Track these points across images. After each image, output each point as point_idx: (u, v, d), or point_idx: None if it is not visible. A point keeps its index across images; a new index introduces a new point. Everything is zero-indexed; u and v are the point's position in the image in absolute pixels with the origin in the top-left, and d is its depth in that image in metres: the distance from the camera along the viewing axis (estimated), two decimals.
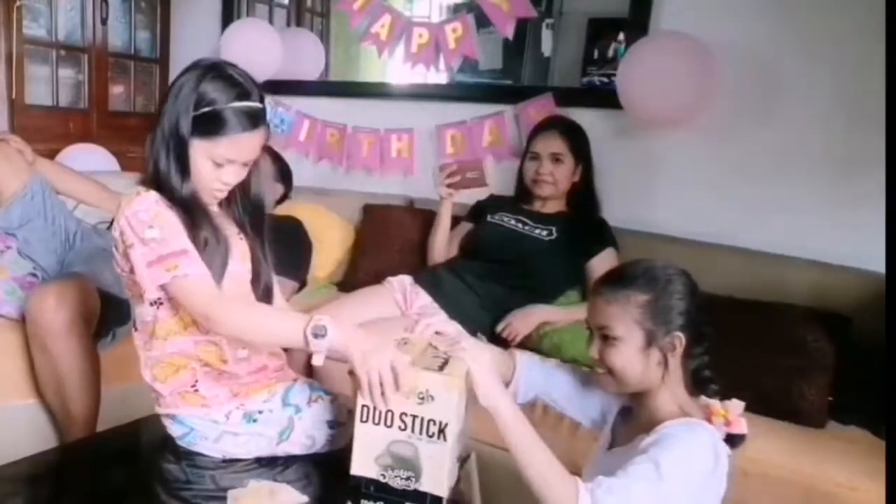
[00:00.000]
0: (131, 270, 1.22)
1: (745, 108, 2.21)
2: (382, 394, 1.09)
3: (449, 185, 2.22)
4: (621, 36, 2.65)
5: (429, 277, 2.13)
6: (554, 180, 2.17)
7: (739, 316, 1.85)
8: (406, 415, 1.10)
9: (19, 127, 2.80)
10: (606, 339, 1.11)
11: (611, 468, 1.04)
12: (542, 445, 1.06)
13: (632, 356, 1.10)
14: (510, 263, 2.08)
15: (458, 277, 2.11)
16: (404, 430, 1.11)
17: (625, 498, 0.99)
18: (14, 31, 2.79)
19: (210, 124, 1.20)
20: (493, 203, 2.31)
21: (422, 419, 1.10)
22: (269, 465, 1.28)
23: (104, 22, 3.14)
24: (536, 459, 1.04)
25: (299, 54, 3.00)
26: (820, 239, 2.06)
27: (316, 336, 1.14)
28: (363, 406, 1.12)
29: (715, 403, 1.13)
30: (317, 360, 1.17)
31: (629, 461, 1.03)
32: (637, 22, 2.35)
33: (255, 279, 1.35)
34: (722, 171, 2.27)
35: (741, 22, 2.19)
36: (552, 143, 2.18)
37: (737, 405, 1.12)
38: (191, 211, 1.23)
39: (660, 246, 2.18)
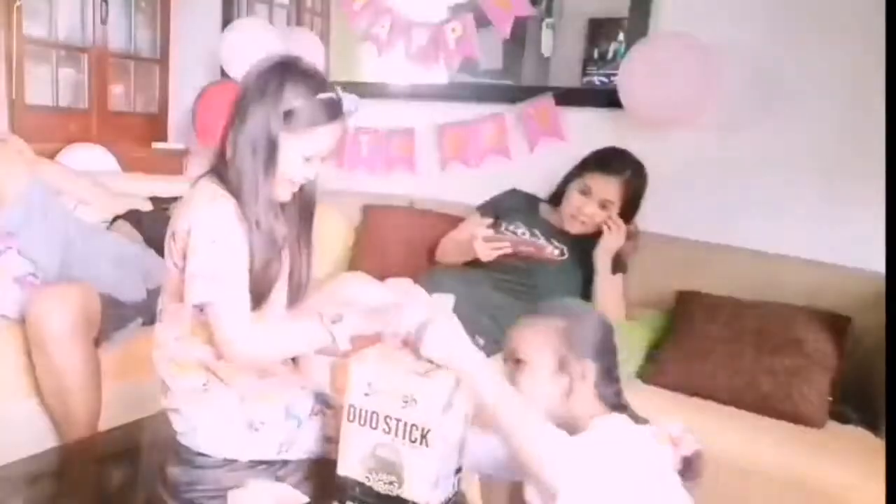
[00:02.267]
0: (184, 269, 1.22)
1: (745, 108, 2.21)
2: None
3: (494, 254, 2.09)
4: (621, 36, 2.65)
5: (431, 280, 2.12)
6: (591, 223, 2.11)
7: (739, 316, 1.85)
8: (390, 418, 1.09)
9: (19, 127, 2.80)
10: (518, 362, 1.13)
11: None
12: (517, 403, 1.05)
13: (541, 381, 1.11)
14: (516, 276, 2.07)
15: (463, 283, 2.10)
16: (388, 433, 1.09)
17: None
18: (14, 31, 2.79)
19: (299, 119, 1.22)
20: (512, 205, 2.27)
21: (405, 423, 1.08)
22: (270, 465, 1.28)
23: (104, 22, 3.14)
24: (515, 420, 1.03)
25: (299, 54, 3.00)
26: (819, 239, 2.06)
27: (334, 322, 1.17)
28: (350, 405, 1.12)
29: (656, 427, 1.10)
30: (344, 345, 1.19)
31: None
32: (637, 22, 2.35)
33: (290, 285, 1.36)
34: (721, 170, 2.27)
35: (741, 22, 2.19)
36: (608, 189, 2.09)
37: (676, 425, 1.09)
38: (265, 221, 1.23)
39: (659, 245, 2.19)
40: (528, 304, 2.03)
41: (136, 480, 1.29)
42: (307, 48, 3.09)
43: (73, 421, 1.70)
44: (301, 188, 1.32)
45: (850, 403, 1.77)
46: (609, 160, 2.13)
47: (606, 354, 1.14)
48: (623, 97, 2.23)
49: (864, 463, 1.50)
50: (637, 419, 1.11)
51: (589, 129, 2.27)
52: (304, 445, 1.30)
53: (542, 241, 2.07)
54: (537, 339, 1.12)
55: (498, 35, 2.63)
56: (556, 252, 2.06)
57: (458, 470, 1.18)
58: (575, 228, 2.13)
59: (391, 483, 1.10)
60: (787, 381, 1.72)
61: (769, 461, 1.53)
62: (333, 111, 1.25)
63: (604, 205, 2.09)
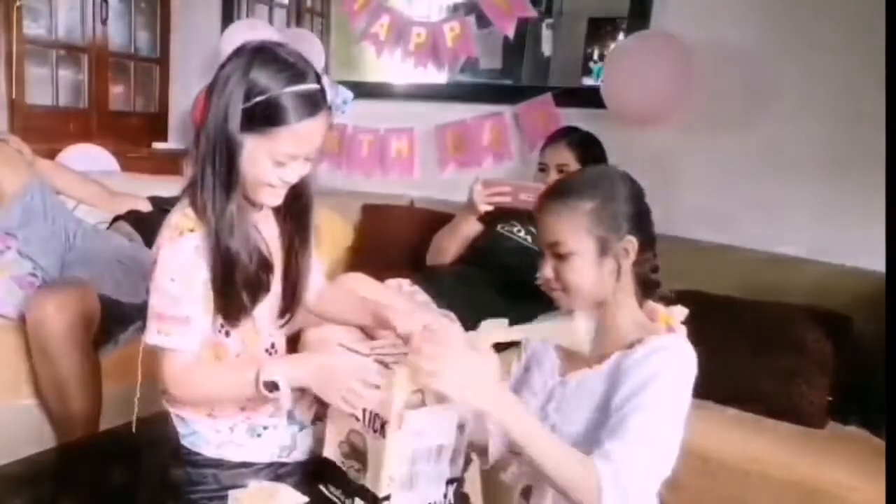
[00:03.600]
0: None
1: (747, 107, 2.21)
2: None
3: (493, 203, 2.09)
4: (621, 36, 2.65)
5: (429, 279, 2.12)
6: None
7: (739, 316, 1.85)
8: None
9: (19, 127, 2.80)
10: (559, 256, 1.07)
11: (583, 396, 1.04)
12: (543, 437, 1.01)
13: (587, 269, 1.06)
14: (514, 275, 2.06)
15: (461, 282, 2.09)
16: (359, 421, 1.10)
17: (647, 461, 0.96)
18: (14, 31, 2.79)
19: (265, 116, 1.06)
20: (506, 209, 2.27)
21: (370, 411, 1.08)
22: (270, 465, 1.28)
23: (104, 22, 3.15)
24: (544, 454, 0.98)
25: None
26: (819, 239, 2.06)
27: (271, 391, 1.13)
28: None
29: (660, 308, 1.11)
30: (285, 405, 1.16)
31: (618, 404, 1.00)
32: (637, 22, 2.35)
33: (286, 294, 1.28)
34: (722, 170, 2.27)
35: (741, 22, 2.19)
36: (558, 154, 2.15)
37: (680, 311, 1.11)
38: (224, 237, 1.12)
39: (661, 245, 2.18)
40: (525, 303, 2.03)
41: (135, 480, 1.29)
42: (307, 48, 3.09)
43: (73, 421, 1.70)
44: (294, 188, 1.18)
45: (850, 403, 1.76)
46: (552, 135, 2.24)
47: (642, 219, 1.10)
48: (605, 97, 2.26)
49: (864, 463, 1.50)
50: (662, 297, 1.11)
51: (588, 129, 2.26)
52: (305, 448, 1.29)
53: (540, 184, 2.09)
54: (572, 227, 1.05)
55: (498, 35, 2.63)
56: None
57: (453, 481, 1.15)
58: None
59: (358, 470, 1.10)
60: (787, 381, 1.72)
61: (769, 461, 1.53)
62: (310, 106, 1.08)
63: (561, 169, 2.13)
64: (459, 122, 2.70)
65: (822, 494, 1.47)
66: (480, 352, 1.06)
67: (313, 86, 1.10)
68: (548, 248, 1.08)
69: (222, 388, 1.20)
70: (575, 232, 1.05)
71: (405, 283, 2.12)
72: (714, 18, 2.22)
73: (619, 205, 1.08)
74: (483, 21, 2.61)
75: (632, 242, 1.07)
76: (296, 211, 1.25)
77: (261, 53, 1.09)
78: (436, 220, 2.47)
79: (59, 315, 1.64)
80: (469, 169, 2.69)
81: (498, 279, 2.08)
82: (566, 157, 2.14)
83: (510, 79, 3.11)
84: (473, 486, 1.30)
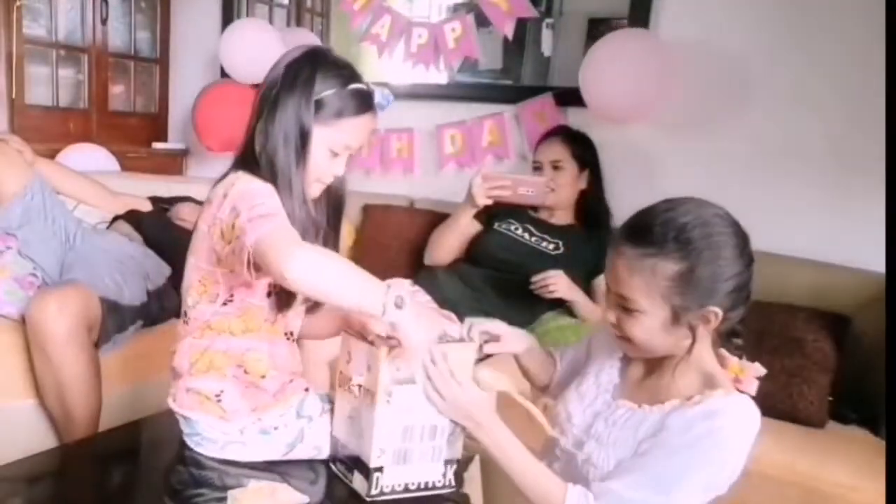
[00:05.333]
0: (217, 261, 1.20)
1: (748, 108, 2.21)
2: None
3: (493, 196, 2.11)
4: None
5: (430, 280, 2.11)
6: (556, 187, 2.15)
7: None
8: (354, 383, 1.17)
9: (19, 127, 2.80)
10: (626, 309, 0.95)
11: (627, 429, 1.00)
12: (518, 452, 1.03)
13: (654, 331, 0.95)
14: (514, 274, 2.07)
15: (461, 282, 2.10)
16: (357, 397, 1.15)
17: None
18: (14, 31, 2.79)
19: (331, 109, 1.20)
20: (503, 208, 2.26)
21: (363, 387, 1.14)
22: (271, 464, 1.28)
23: (104, 22, 3.14)
24: (514, 465, 1.03)
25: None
26: (820, 239, 2.06)
27: (397, 306, 1.07)
28: (340, 372, 1.20)
29: (731, 358, 1.02)
30: (379, 329, 1.14)
31: (644, 448, 0.96)
32: (637, 22, 2.35)
33: None
34: (722, 170, 2.27)
35: (742, 22, 2.19)
36: (552, 151, 2.19)
37: (757, 369, 1.00)
38: (299, 213, 1.19)
39: None
40: (525, 302, 2.04)
41: (135, 480, 1.29)
42: None
43: (73, 421, 1.70)
44: (329, 187, 1.29)
45: (850, 403, 1.77)
46: (544, 134, 2.29)
47: (742, 282, 0.94)
48: (584, 94, 2.27)
49: (864, 463, 1.51)
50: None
51: (589, 129, 2.27)
52: (312, 442, 1.29)
53: (541, 178, 2.13)
54: (646, 289, 0.92)
55: (498, 35, 2.63)
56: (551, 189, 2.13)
57: (452, 462, 1.18)
58: (549, 200, 2.16)
59: (356, 444, 1.15)
60: (787, 381, 1.72)
61: (769, 461, 1.53)
62: (363, 103, 1.24)
63: (555, 165, 2.18)
64: (459, 122, 2.70)
65: (822, 494, 1.47)
66: (480, 385, 1.10)
67: (365, 86, 1.25)
68: (614, 295, 0.98)
69: (350, 278, 1.10)
70: (648, 295, 0.93)
71: (406, 283, 2.12)
72: (714, 19, 2.22)
73: (714, 269, 0.93)
74: (483, 21, 2.61)
75: (714, 313, 0.93)
76: (330, 206, 1.33)
77: (319, 55, 1.23)
78: (436, 220, 2.47)
79: (61, 316, 1.64)
80: (469, 169, 2.69)
81: (497, 278, 2.08)
82: (560, 153, 2.17)
83: (510, 79, 3.10)
84: (473, 486, 1.30)
